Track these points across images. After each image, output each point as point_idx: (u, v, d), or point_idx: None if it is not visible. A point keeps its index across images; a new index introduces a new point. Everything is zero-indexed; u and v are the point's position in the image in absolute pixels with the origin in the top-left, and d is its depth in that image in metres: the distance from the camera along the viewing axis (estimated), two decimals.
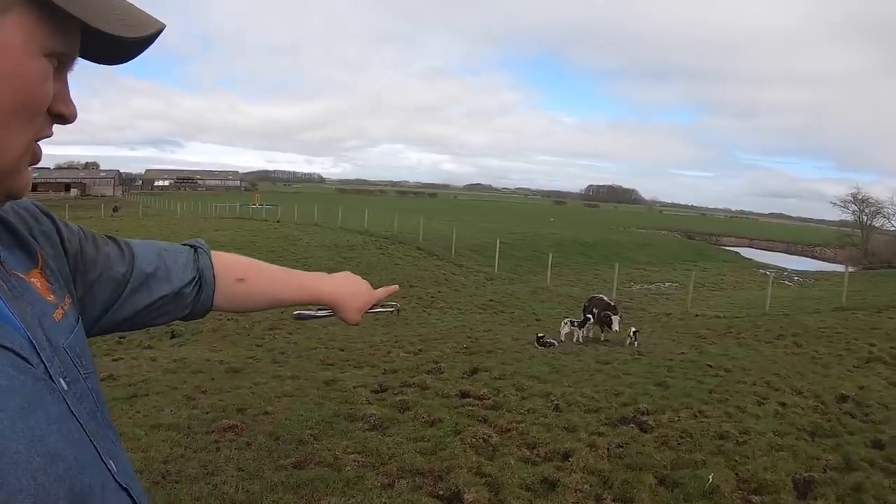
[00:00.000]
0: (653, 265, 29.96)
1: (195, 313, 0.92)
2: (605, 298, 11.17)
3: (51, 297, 0.64)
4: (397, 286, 1.16)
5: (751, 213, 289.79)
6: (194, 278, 0.89)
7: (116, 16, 0.53)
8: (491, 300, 15.52)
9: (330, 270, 1.07)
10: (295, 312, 1.15)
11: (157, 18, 0.58)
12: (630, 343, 9.94)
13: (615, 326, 10.29)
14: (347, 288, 1.05)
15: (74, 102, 0.57)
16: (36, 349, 0.54)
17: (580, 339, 10.44)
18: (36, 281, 0.63)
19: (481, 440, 4.83)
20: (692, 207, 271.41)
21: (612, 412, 5.79)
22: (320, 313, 1.09)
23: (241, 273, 0.96)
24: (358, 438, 4.80)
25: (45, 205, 0.76)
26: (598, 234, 40.66)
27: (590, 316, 10.62)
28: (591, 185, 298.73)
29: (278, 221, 34.82)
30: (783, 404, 6.22)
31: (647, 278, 25.59)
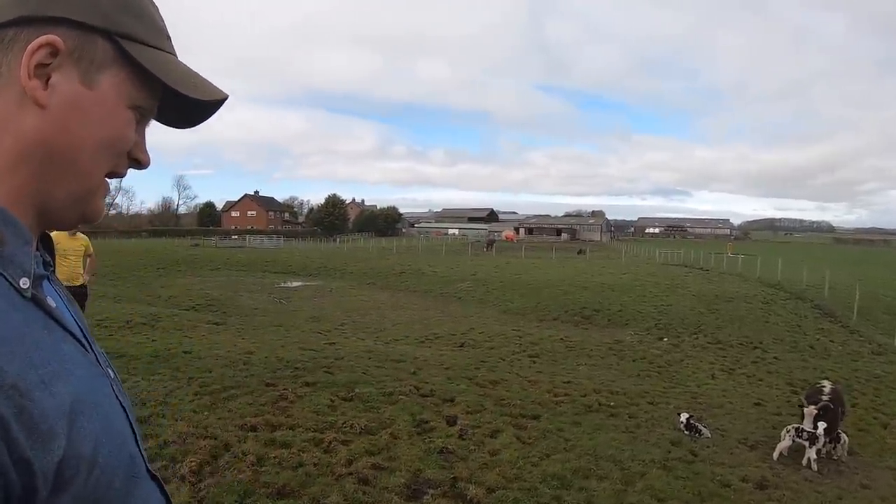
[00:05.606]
0: None
1: None
2: (826, 388, 6.83)
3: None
4: None
5: None
6: None
7: (192, 82, 0.66)
8: (808, 379, 12.26)
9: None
10: None
11: (222, 89, 0.69)
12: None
13: (806, 424, 6.33)
14: None
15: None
16: (88, 342, 0.65)
17: (811, 464, 6.09)
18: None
19: None
20: None
21: None
22: None
23: None
24: None
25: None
26: None
27: (822, 424, 6.26)
28: None
29: (699, 268, 34.70)
30: None
31: None
